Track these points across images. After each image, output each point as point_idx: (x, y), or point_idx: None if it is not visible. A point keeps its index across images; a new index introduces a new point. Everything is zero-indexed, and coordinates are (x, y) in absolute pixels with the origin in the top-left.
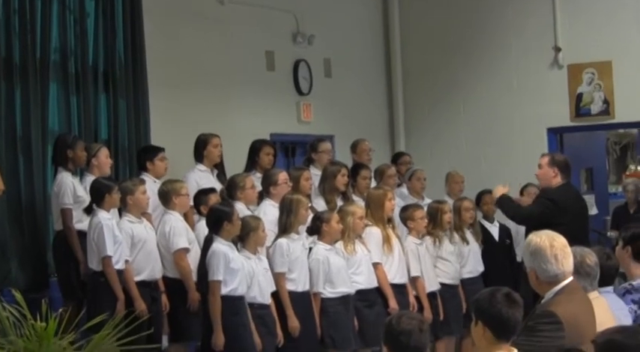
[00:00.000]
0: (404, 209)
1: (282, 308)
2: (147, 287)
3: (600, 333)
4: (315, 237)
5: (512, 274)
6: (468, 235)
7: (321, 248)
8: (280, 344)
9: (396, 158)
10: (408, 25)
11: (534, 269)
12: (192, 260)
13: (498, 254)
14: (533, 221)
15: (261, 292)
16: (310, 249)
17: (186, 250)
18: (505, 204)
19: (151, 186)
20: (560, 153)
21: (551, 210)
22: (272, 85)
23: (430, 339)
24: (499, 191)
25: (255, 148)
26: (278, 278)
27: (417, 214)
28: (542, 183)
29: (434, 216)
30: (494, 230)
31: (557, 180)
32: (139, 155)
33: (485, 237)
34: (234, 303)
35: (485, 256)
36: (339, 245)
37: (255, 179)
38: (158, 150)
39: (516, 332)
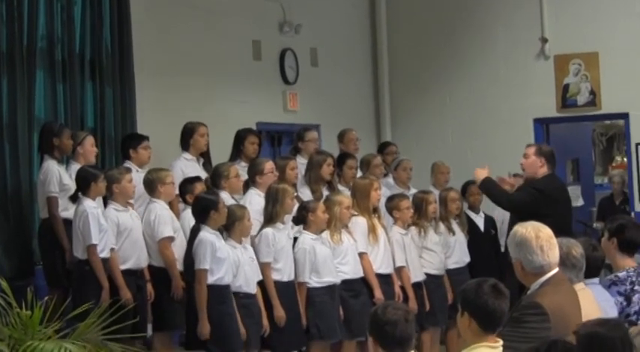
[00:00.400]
0: (390, 199)
1: (268, 297)
2: (132, 275)
3: (582, 325)
4: (300, 227)
5: (498, 264)
6: (454, 226)
7: (307, 237)
8: (266, 333)
9: (383, 148)
10: (395, 14)
11: (520, 260)
12: (177, 248)
13: (484, 244)
14: (524, 209)
15: (247, 281)
16: (295, 238)
17: (171, 239)
18: (491, 188)
19: (134, 174)
20: (546, 144)
21: (538, 200)
22: (258, 74)
23: (415, 330)
24: (481, 174)
25: (240, 137)
26: (264, 268)
27: (403, 204)
28: (527, 173)
29: (419, 207)
30: (479, 220)
31: (543, 170)
32: (122, 143)
33: (470, 228)
34: (220, 292)
35: (471, 247)
36: (326, 234)
37: (240, 168)
38: (142, 138)
39: (502, 324)
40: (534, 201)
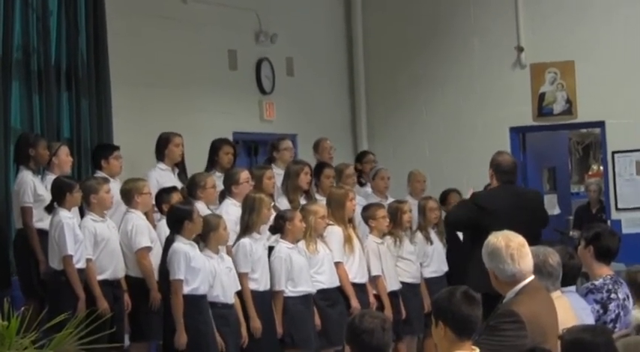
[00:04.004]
0: (365, 208)
1: (246, 307)
2: (109, 286)
3: (567, 331)
4: (276, 236)
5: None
6: (433, 235)
7: (284, 246)
8: (245, 344)
9: (361, 157)
10: (371, 24)
11: (493, 269)
12: (154, 258)
13: (463, 254)
14: (462, 225)
15: (224, 291)
16: (271, 248)
17: (149, 249)
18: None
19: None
20: (503, 153)
21: (476, 214)
22: (234, 83)
23: (392, 338)
24: None
25: (215, 147)
26: (241, 278)
27: (379, 213)
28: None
29: (394, 216)
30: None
31: (494, 181)
32: (94, 153)
33: (450, 237)
34: (196, 302)
35: (450, 256)
36: (302, 244)
37: (215, 178)
38: (113, 148)
39: (476, 330)
40: (472, 215)
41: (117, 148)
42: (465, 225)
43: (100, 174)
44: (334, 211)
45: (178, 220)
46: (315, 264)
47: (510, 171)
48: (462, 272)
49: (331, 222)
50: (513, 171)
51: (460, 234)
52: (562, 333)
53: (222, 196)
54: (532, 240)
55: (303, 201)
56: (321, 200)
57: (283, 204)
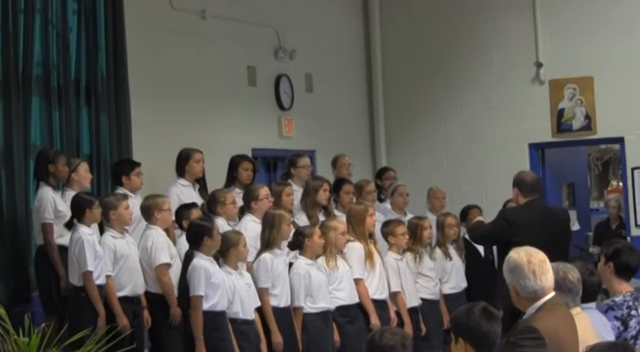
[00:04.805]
0: (385, 224)
1: (266, 323)
2: (129, 302)
3: (590, 348)
4: (296, 253)
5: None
6: (452, 251)
7: (303, 262)
8: None
9: (381, 173)
10: (389, 40)
11: (514, 285)
12: (174, 275)
13: (483, 270)
14: (490, 239)
15: (244, 307)
16: (291, 264)
17: (168, 265)
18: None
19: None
20: (526, 171)
21: (505, 228)
22: (253, 99)
23: None
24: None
25: (234, 164)
26: (262, 293)
27: (399, 230)
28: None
29: (414, 232)
30: (479, 246)
31: (520, 199)
32: (114, 169)
33: (471, 253)
34: (215, 318)
35: (471, 272)
36: (321, 260)
37: (235, 194)
38: (134, 164)
39: (496, 346)
40: (501, 229)
41: (138, 164)
42: (494, 239)
43: (120, 190)
44: (355, 227)
45: (198, 236)
46: (334, 280)
47: (535, 187)
48: (483, 288)
49: (352, 238)
50: (538, 187)
51: (481, 250)
52: (585, 350)
53: (242, 212)
54: (561, 256)
55: (321, 217)
56: (340, 216)
57: (302, 220)
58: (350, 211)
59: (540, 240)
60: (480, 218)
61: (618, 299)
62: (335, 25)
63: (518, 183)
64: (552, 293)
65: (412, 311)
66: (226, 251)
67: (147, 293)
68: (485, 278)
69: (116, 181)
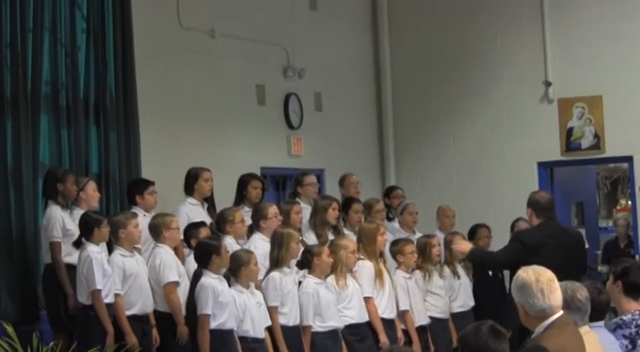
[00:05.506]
0: (394, 243)
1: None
2: (138, 321)
3: None
4: (304, 271)
5: (505, 308)
6: (459, 269)
7: (311, 281)
8: None
9: (389, 192)
10: (399, 59)
11: (522, 304)
12: (182, 293)
13: (491, 288)
14: (508, 265)
15: (254, 326)
16: (300, 282)
17: (177, 284)
18: (478, 258)
19: (140, 219)
20: (539, 191)
21: (520, 251)
22: (263, 118)
23: None
24: (465, 247)
25: (243, 182)
26: (271, 311)
27: (407, 249)
28: None
29: (423, 250)
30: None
31: (534, 219)
32: (128, 189)
33: (479, 271)
34: (223, 337)
35: (479, 290)
36: (331, 279)
37: (244, 213)
38: (148, 183)
39: None
40: (516, 253)
41: (152, 183)
42: (514, 265)
43: (135, 209)
44: (365, 246)
45: (206, 255)
46: (344, 298)
47: (549, 207)
48: (490, 307)
49: (362, 257)
50: (552, 207)
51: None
52: None
53: (251, 231)
54: (578, 275)
55: (331, 236)
56: (349, 234)
57: (311, 239)
58: (361, 230)
59: (557, 260)
60: (477, 245)
61: (627, 317)
62: (344, 43)
63: (533, 204)
64: (561, 312)
65: (421, 329)
66: (237, 269)
67: (155, 311)
68: (494, 297)
69: (130, 200)
